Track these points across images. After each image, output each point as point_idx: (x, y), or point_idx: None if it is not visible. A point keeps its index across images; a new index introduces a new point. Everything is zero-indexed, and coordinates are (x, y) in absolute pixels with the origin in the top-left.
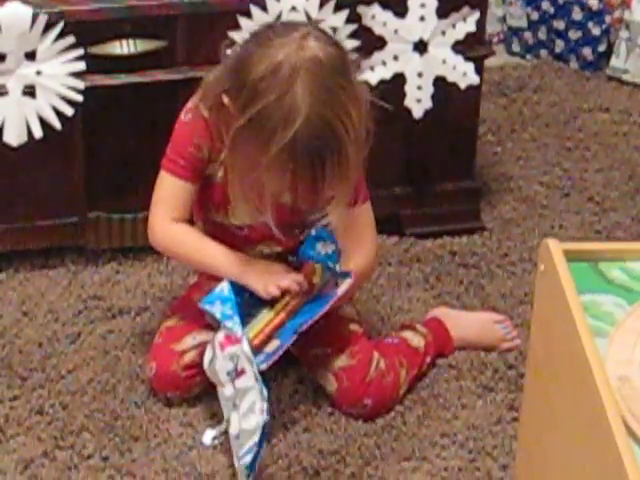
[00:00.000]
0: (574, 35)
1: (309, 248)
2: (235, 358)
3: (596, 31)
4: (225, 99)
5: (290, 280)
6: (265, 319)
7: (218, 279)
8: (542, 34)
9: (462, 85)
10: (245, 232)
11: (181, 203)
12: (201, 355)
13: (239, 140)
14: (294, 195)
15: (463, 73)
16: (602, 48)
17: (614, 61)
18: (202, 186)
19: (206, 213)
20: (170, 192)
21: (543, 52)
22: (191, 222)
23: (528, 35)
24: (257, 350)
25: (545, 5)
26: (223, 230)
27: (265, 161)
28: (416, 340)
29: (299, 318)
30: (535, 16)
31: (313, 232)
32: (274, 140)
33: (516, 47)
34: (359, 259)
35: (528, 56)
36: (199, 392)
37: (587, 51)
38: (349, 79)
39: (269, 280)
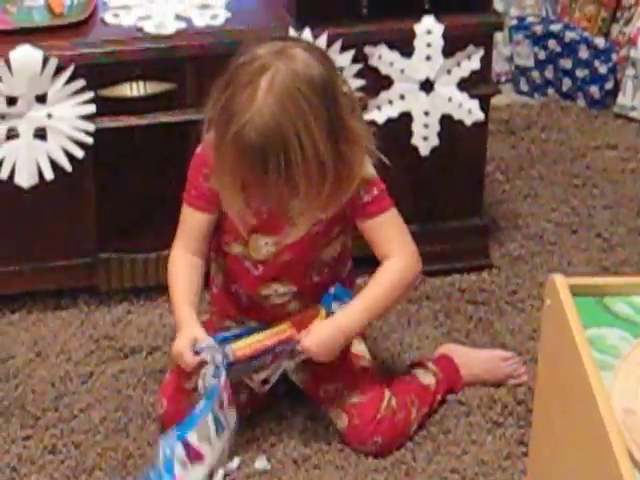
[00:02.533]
0: (581, 73)
1: (325, 305)
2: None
3: (603, 69)
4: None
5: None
6: (254, 338)
7: (230, 316)
8: (549, 73)
9: (468, 122)
10: (260, 270)
11: (196, 233)
12: None
13: (218, 136)
14: (246, 194)
15: (468, 110)
16: (609, 86)
17: (621, 99)
18: (221, 217)
19: (226, 246)
20: (187, 223)
21: (550, 91)
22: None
23: (535, 74)
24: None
25: (552, 44)
26: (240, 266)
27: (222, 152)
28: (427, 378)
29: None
30: (542, 55)
31: (332, 290)
32: (229, 128)
33: (524, 86)
34: (395, 265)
35: (536, 95)
36: None
37: (594, 89)
38: (324, 98)
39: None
